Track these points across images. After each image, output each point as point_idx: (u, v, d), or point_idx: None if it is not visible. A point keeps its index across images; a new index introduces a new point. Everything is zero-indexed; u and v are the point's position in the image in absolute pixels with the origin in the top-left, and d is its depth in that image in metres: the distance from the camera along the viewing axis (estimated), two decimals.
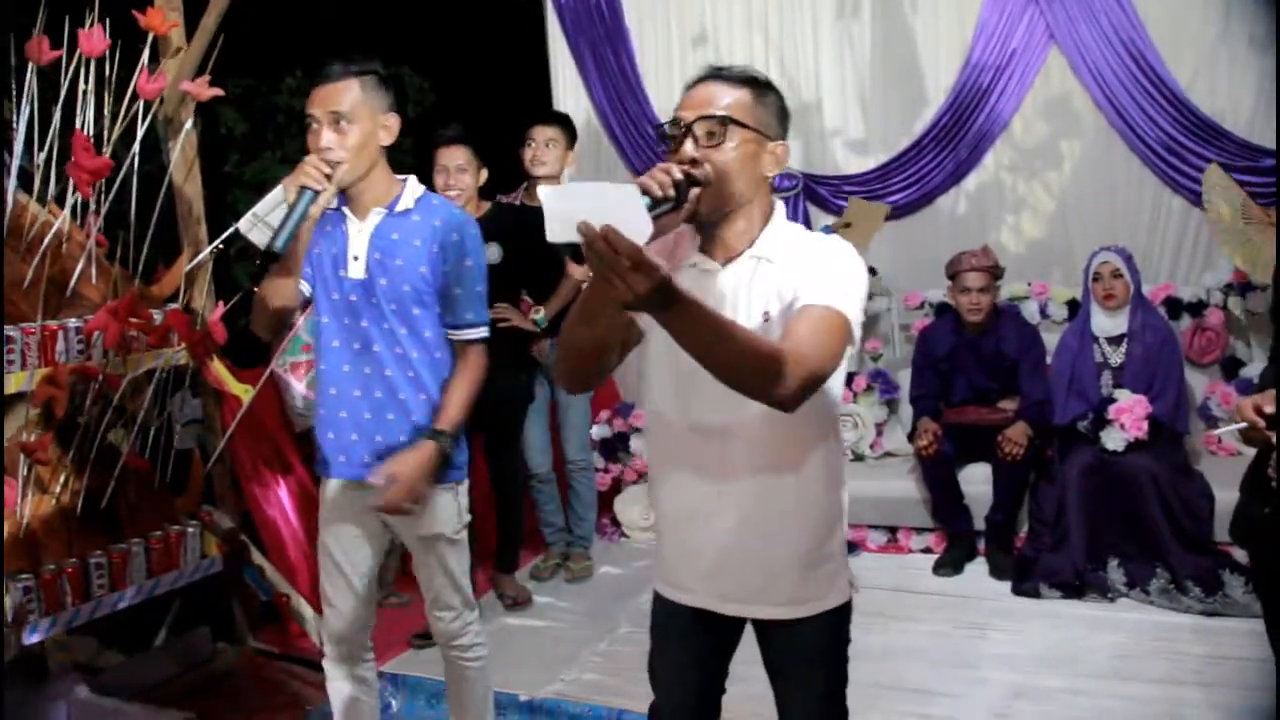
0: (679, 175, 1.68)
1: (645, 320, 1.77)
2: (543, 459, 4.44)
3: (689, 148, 1.76)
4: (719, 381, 1.63)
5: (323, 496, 2.64)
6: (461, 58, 7.48)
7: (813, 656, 1.99)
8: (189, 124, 3.53)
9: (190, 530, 3.45)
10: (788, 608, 1.94)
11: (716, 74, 1.83)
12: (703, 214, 1.77)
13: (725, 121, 1.76)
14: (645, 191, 1.62)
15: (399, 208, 2.50)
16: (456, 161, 3.76)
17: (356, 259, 2.48)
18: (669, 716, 2.12)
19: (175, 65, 3.58)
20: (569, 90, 5.78)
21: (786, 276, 1.79)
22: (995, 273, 4.39)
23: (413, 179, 2.58)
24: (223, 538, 3.58)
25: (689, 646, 2.06)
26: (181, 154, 3.65)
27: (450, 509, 2.62)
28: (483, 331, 2.58)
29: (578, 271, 3.87)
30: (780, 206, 1.89)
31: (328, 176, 2.33)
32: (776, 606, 1.94)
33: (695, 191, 1.72)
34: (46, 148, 3.19)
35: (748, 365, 1.60)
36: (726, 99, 1.78)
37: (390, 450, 2.49)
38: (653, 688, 2.14)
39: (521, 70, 6.26)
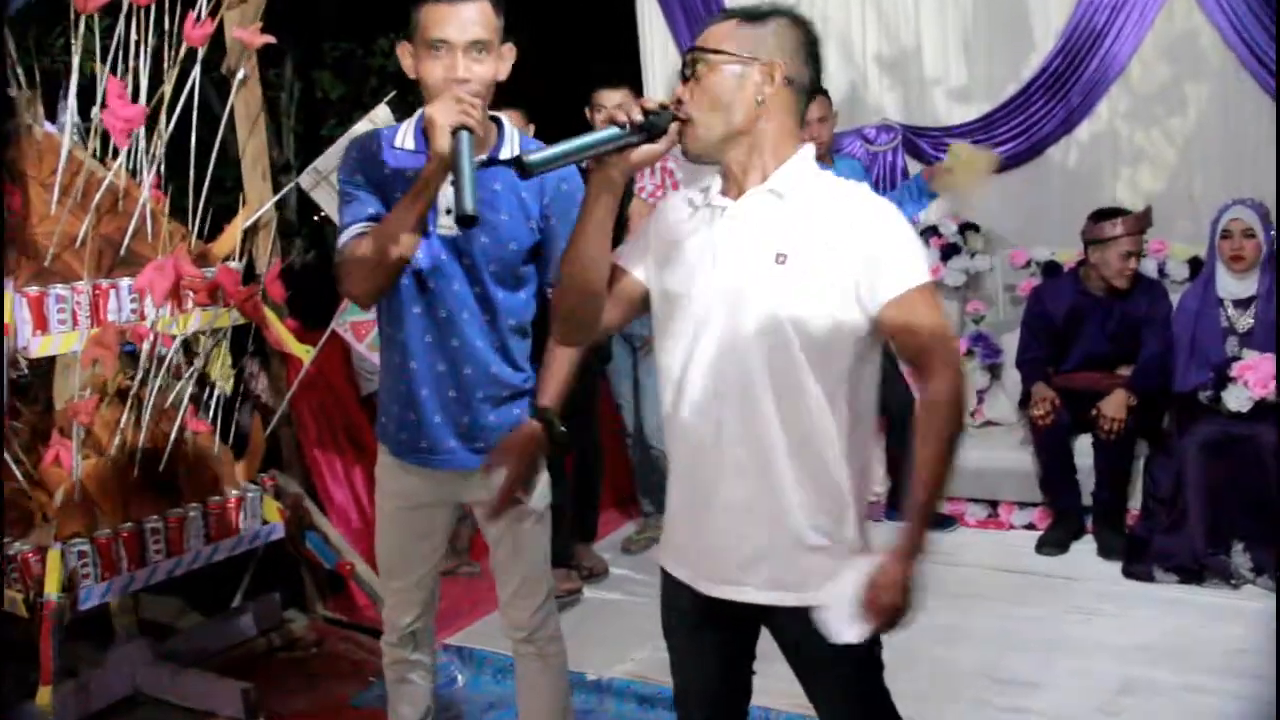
0: (652, 106, 1.68)
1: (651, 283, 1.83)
2: (635, 419, 4.24)
3: (680, 87, 1.75)
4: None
5: (388, 475, 2.37)
6: (548, 12, 7.36)
7: (824, 650, 1.71)
8: (241, 74, 3.41)
9: (250, 495, 3.37)
10: (777, 593, 1.75)
11: (721, 13, 1.81)
12: (693, 149, 1.74)
13: (701, 53, 1.73)
14: (613, 121, 1.66)
15: (502, 153, 2.16)
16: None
17: (449, 213, 2.10)
18: (690, 703, 1.95)
19: (235, 17, 3.46)
20: (656, 42, 5.54)
21: (804, 217, 1.71)
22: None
23: (505, 118, 2.23)
24: (286, 503, 3.49)
25: (697, 634, 1.89)
26: (245, 108, 3.55)
27: (540, 482, 2.36)
28: None
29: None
30: (808, 148, 1.79)
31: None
32: (759, 591, 1.75)
33: (675, 126, 1.70)
34: (99, 101, 3.11)
35: (953, 443, 1.81)
36: (713, 33, 1.75)
37: (478, 431, 2.26)
38: (672, 674, 1.97)
39: (609, 23, 6.07)
